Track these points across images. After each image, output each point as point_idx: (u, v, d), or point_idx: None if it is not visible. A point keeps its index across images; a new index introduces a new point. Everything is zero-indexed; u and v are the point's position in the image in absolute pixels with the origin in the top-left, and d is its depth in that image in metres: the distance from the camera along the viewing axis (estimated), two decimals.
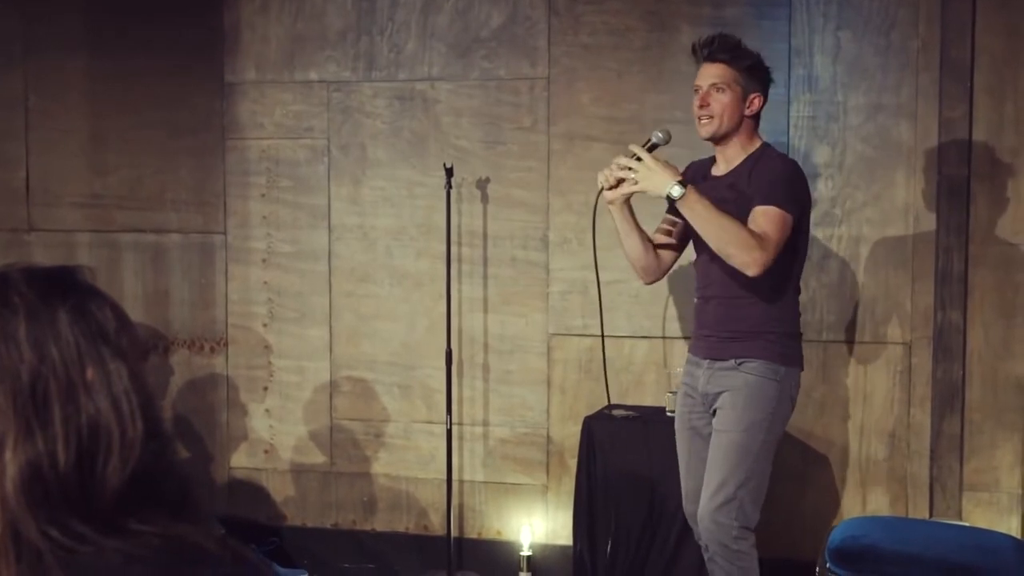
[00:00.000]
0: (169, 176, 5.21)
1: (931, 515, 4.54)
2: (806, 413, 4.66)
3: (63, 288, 1.21)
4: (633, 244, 3.81)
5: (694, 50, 3.74)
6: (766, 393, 3.64)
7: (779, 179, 3.61)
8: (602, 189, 3.69)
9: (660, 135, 3.72)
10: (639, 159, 3.57)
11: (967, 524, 4.39)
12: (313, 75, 5.05)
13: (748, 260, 3.49)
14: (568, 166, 4.82)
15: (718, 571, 3.70)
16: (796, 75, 4.60)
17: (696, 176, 3.80)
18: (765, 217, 3.53)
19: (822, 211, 4.61)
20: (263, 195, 5.13)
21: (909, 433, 4.60)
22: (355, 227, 5.05)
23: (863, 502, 4.66)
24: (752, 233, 3.50)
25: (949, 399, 4.52)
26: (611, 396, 4.66)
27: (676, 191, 3.51)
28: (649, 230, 3.88)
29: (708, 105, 3.68)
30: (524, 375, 4.93)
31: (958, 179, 4.46)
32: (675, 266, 4.03)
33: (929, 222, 4.52)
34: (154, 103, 5.17)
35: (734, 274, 3.62)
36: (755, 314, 3.66)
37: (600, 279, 4.05)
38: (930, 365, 4.55)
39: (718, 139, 3.74)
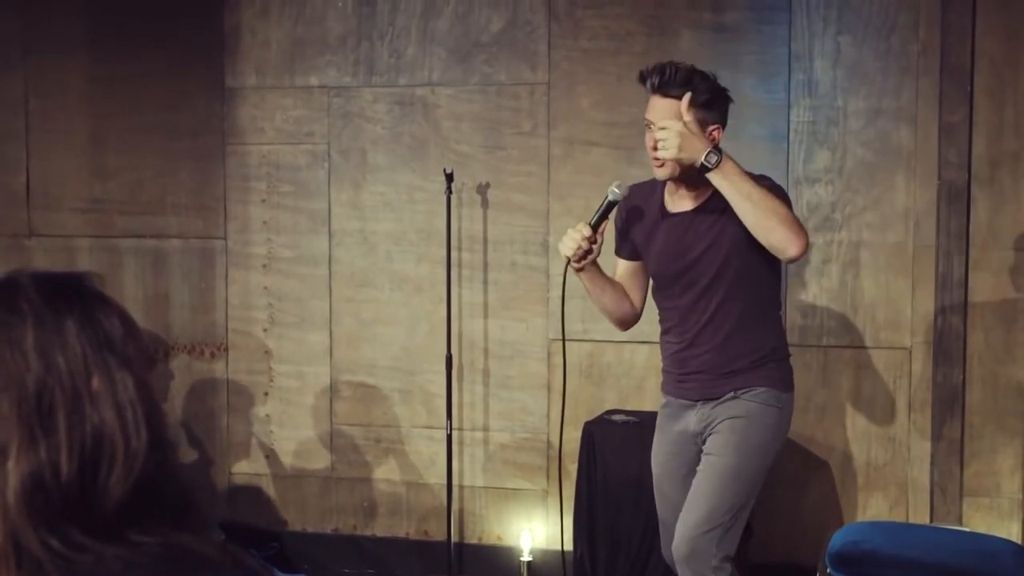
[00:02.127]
0: (169, 180, 5.21)
1: (931, 520, 4.54)
2: (807, 418, 4.65)
3: (71, 295, 1.21)
4: (609, 299, 3.57)
5: (642, 78, 3.40)
6: (767, 420, 3.46)
7: (773, 187, 3.36)
8: (568, 261, 3.41)
9: (616, 191, 3.41)
10: (665, 128, 3.29)
11: (967, 529, 4.39)
12: (313, 80, 5.05)
13: (792, 236, 3.22)
14: (568, 171, 4.82)
15: None
16: (796, 80, 4.60)
17: (644, 208, 3.54)
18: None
19: (822, 216, 4.61)
20: (263, 200, 5.13)
21: (909, 438, 4.60)
22: (355, 232, 5.05)
23: (863, 507, 4.65)
24: (792, 212, 3.30)
25: (949, 404, 4.52)
26: (613, 402, 4.67)
27: (712, 159, 3.24)
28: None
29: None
30: (524, 380, 4.92)
31: (958, 183, 4.46)
32: None
33: (929, 226, 4.52)
34: (154, 106, 5.17)
35: (718, 315, 3.45)
36: (752, 348, 3.47)
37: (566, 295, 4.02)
38: (930, 370, 4.55)
39: (679, 179, 3.43)
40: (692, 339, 3.51)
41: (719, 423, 3.47)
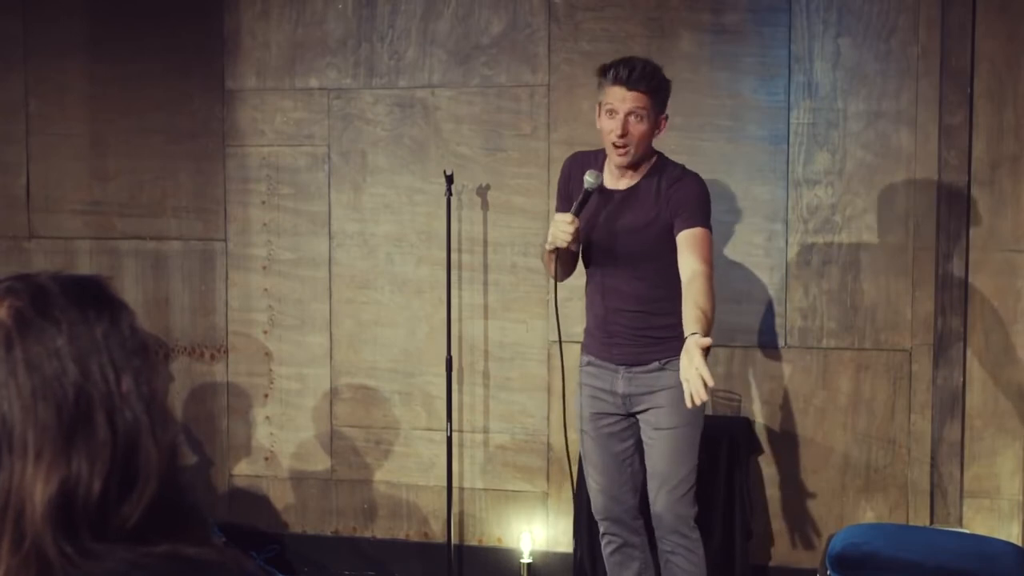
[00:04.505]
0: (169, 182, 5.21)
1: (932, 522, 4.54)
2: (806, 420, 4.66)
3: (97, 300, 1.22)
4: (570, 268, 3.92)
5: (607, 71, 3.70)
6: None
7: (698, 201, 3.70)
8: (557, 251, 3.74)
9: (591, 180, 3.73)
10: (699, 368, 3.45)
11: (968, 531, 4.39)
12: (313, 82, 5.05)
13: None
14: None
15: (678, 569, 3.84)
16: (796, 81, 4.60)
17: (579, 177, 3.79)
18: (701, 242, 3.63)
19: (823, 218, 4.61)
20: (263, 202, 5.13)
21: (910, 440, 4.60)
22: (355, 234, 5.05)
23: (864, 509, 4.65)
24: (703, 280, 3.55)
25: (950, 405, 4.52)
26: None
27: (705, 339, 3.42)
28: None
29: (628, 134, 3.68)
30: (524, 382, 4.92)
31: (958, 185, 4.47)
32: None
33: (929, 228, 4.52)
34: (154, 108, 5.18)
35: (641, 289, 3.77)
36: (667, 323, 3.73)
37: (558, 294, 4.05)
38: (931, 371, 4.55)
39: (629, 164, 3.76)
40: (614, 307, 3.82)
41: (653, 396, 3.78)
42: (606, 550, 3.99)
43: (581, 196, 3.73)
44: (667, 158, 3.84)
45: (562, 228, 3.70)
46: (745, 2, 4.64)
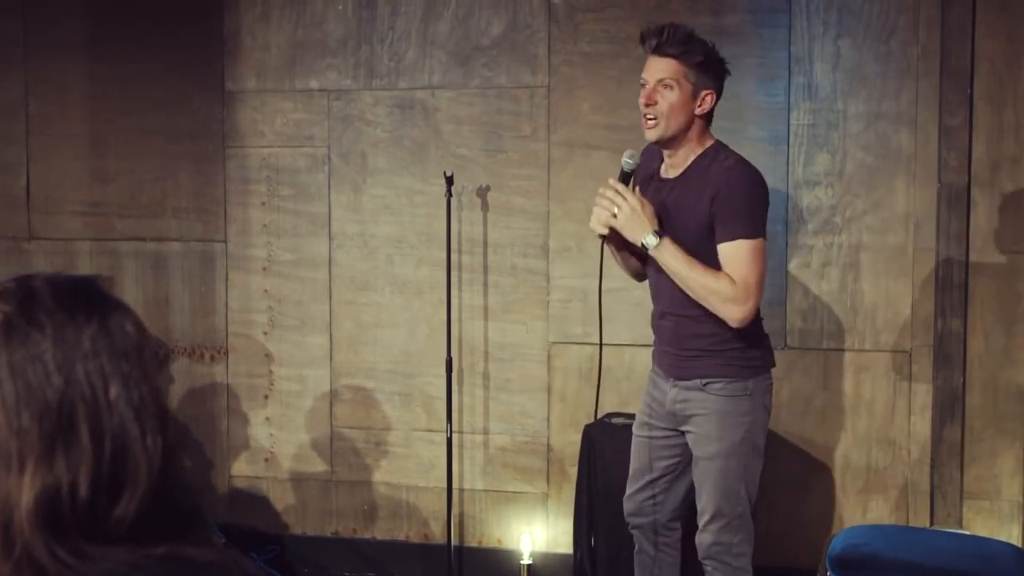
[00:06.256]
0: (169, 183, 5.21)
1: (932, 523, 4.54)
2: (807, 421, 4.66)
3: (88, 303, 1.21)
4: (633, 264, 3.73)
5: (642, 39, 3.50)
6: (739, 411, 3.51)
7: (737, 206, 3.39)
8: (603, 238, 3.58)
9: (629, 161, 3.55)
10: (623, 198, 3.46)
11: (968, 532, 4.39)
12: (314, 83, 5.05)
13: (728, 314, 3.36)
14: (568, 174, 4.82)
15: None
16: (796, 83, 4.60)
17: (645, 170, 3.65)
18: (736, 258, 3.36)
19: (822, 219, 4.61)
20: (263, 203, 5.13)
21: (910, 441, 4.60)
22: (355, 235, 5.05)
23: (863, 510, 4.65)
24: (731, 283, 3.36)
25: (950, 407, 4.52)
26: (613, 404, 4.66)
27: (651, 241, 3.41)
28: None
29: (655, 104, 3.45)
30: (524, 383, 4.92)
31: (958, 186, 4.46)
32: None
33: (929, 230, 4.52)
34: (154, 108, 5.17)
35: (681, 290, 3.49)
36: (712, 331, 3.48)
37: (602, 287, 4.04)
38: (931, 373, 4.55)
39: (665, 142, 3.51)
40: (662, 310, 3.64)
41: (694, 419, 3.56)
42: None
43: (619, 178, 3.51)
44: (723, 147, 3.52)
45: (597, 213, 3.52)
46: (745, 4, 4.64)
